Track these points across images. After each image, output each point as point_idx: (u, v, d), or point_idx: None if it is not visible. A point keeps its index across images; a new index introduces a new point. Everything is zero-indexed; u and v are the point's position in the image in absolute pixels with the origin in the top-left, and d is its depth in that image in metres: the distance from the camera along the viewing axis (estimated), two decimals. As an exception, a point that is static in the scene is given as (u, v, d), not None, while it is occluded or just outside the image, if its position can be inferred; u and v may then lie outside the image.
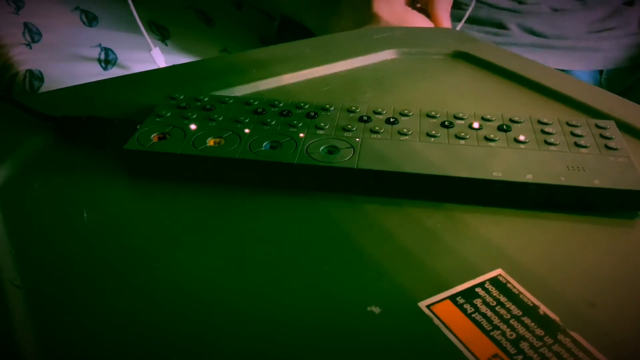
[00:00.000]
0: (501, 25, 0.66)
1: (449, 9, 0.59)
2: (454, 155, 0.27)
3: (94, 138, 0.31)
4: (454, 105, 0.35)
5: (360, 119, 0.29)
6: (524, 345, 0.19)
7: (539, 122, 0.29)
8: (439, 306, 0.20)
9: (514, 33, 0.65)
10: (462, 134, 0.28)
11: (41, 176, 0.28)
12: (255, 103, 0.31)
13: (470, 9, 0.63)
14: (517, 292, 0.21)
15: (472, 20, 0.66)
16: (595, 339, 0.19)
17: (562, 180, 0.25)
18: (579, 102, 0.35)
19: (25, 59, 0.66)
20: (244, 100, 0.31)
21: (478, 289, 0.21)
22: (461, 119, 0.29)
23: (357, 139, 0.28)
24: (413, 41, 0.45)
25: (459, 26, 0.63)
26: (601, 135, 0.28)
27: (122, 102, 0.35)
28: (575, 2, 0.68)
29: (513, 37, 0.65)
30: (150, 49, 0.65)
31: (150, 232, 0.24)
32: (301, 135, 0.28)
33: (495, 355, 0.18)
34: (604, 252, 0.23)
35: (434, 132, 0.28)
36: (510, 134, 0.28)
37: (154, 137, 0.28)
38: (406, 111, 0.30)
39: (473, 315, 0.20)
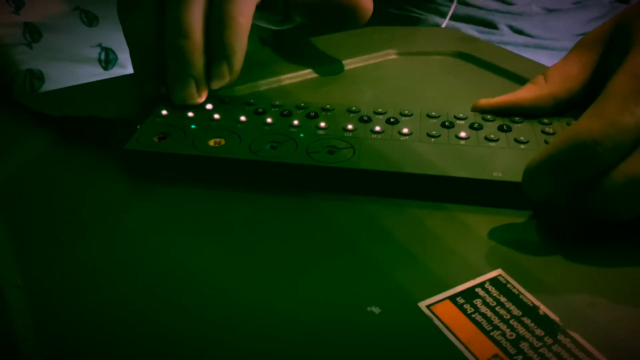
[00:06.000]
0: (492, 25, 0.66)
1: None
2: (454, 155, 0.27)
3: (94, 138, 0.31)
4: (454, 105, 0.35)
5: (361, 119, 0.29)
6: (524, 345, 0.19)
7: (539, 122, 0.29)
8: (439, 306, 0.20)
9: (505, 33, 0.65)
10: (463, 134, 0.28)
11: (41, 176, 0.28)
12: (256, 103, 0.31)
13: (452, 10, 0.63)
14: (517, 292, 0.21)
15: (464, 19, 0.66)
16: (595, 339, 0.19)
17: (562, 181, 0.25)
18: (579, 102, 0.35)
19: (25, 59, 0.66)
20: (244, 100, 0.31)
21: (478, 289, 0.21)
22: (462, 119, 0.29)
23: (358, 139, 0.28)
24: (413, 41, 0.45)
25: (444, 24, 0.63)
26: (601, 136, 0.28)
27: (122, 102, 0.35)
28: (569, 2, 0.68)
29: (505, 37, 0.65)
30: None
31: (151, 232, 0.24)
32: (301, 135, 0.28)
33: (495, 356, 0.18)
34: (604, 252, 0.23)
35: (434, 132, 0.28)
36: (511, 134, 0.28)
37: (154, 137, 0.28)
38: (406, 111, 0.30)
39: (473, 316, 0.20)
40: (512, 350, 0.19)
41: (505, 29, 0.65)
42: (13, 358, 0.19)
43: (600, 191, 0.22)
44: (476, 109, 0.31)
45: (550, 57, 0.65)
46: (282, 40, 0.67)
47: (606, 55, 0.29)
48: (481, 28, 0.65)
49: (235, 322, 0.20)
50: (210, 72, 0.30)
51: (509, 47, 0.64)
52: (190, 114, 0.30)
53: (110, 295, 0.21)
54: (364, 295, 0.21)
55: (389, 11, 0.67)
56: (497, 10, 0.65)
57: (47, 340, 0.19)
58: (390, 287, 0.21)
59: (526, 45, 0.65)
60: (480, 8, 0.65)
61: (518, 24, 0.65)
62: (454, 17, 0.65)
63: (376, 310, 0.20)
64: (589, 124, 0.22)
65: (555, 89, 0.29)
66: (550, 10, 0.67)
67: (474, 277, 0.21)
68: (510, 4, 0.65)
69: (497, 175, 0.25)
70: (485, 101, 0.31)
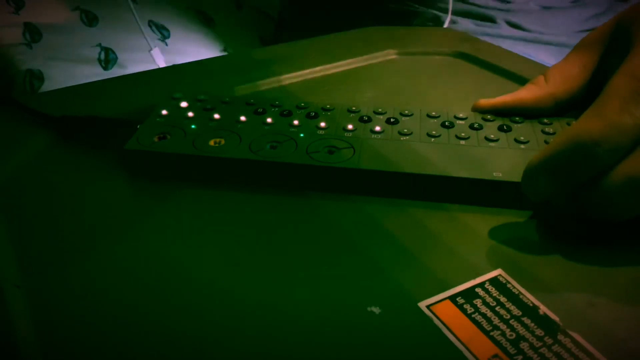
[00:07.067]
0: (491, 20, 0.66)
1: None
2: (454, 155, 0.27)
3: (94, 138, 0.31)
4: (454, 105, 0.35)
5: (361, 119, 0.29)
6: (524, 345, 0.19)
7: (539, 122, 0.29)
8: (439, 306, 0.20)
9: (503, 27, 0.65)
10: (463, 134, 0.28)
11: (41, 176, 0.28)
12: (255, 103, 0.31)
13: (450, 7, 0.63)
14: (517, 292, 0.21)
15: (462, 14, 0.66)
16: (595, 339, 0.19)
17: (562, 181, 0.25)
18: (579, 102, 0.35)
19: (25, 59, 0.66)
20: (244, 100, 0.31)
21: (478, 289, 0.21)
22: (462, 119, 0.29)
23: (358, 139, 0.28)
24: (413, 41, 0.45)
25: (446, 23, 0.63)
26: (601, 136, 0.28)
27: (122, 102, 0.35)
28: (567, 0, 0.68)
29: (503, 30, 0.65)
30: (150, 49, 0.65)
31: (151, 232, 0.24)
32: (301, 135, 0.28)
33: (495, 356, 0.18)
34: (604, 252, 0.23)
35: (434, 132, 0.28)
36: (511, 134, 0.28)
37: (154, 137, 0.28)
38: (407, 111, 0.30)
39: (473, 316, 0.20)
40: (512, 350, 0.19)
41: (503, 24, 0.65)
42: (13, 358, 0.19)
43: (600, 191, 0.22)
44: (476, 109, 0.31)
45: (548, 52, 0.65)
46: (282, 40, 0.67)
47: (606, 56, 0.29)
48: (479, 22, 0.65)
49: (235, 322, 0.20)
50: None
51: (507, 41, 0.64)
52: (190, 114, 0.30)
53: (110, 295, 0.21)
54: (364, 295, 0.21)
55: (388, 6, 0.67)
56: (495, 8, 0.66)
57: (47, 340, 0.19)
58: (390, 287, 0.21)
59: (524, 39, 0.65)
60: (478, 6, 0.65)
61: (516, 20, 0.65)
62: (452, 12, 0.65)
63: (376, 310, 0.20)
64: (588, 125, 0.22)
65: (555, 89, 0.29)
66: (547, 8, 0.67)
67: (474, 277, 0.21)
68: (508, 2, 0.65)
69: (497, 175, 0.25)
70: (485, 101, 0.31)
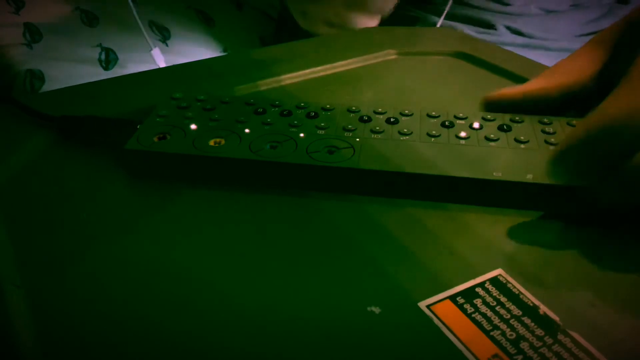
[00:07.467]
0: (490, 26, 0.65)
1: None
2: (454, 155, 0.27)
3: (94, 138, 0.31)
4: (454, 105, 0.35)
5: (361, 119, 0.29)
6: (524, 345, 0.19)
7: (540, 121, 0.29)
8: (439, 306, 0.20)
9: (503, 34, 0.65)
10: (463, 133, 0.28)
11: (41, 176, 0.28)
12: (255, 103, 0.31)
13: (447, 8, 0.63)
14: (517, 292, 0.21)
15: (461, 19, 0.66)
16: (595, 339, 0.19)
17: (563, 180, 0.25)
18: (579, 102, 0.35)
19: (25, 59, 0.66)
20: (244, 100, 0.31)
21: (478, 289, 0.21)
22: (462, 118, 0.29)
23: (358, 139, 0.28)
24: (413, 41, 0.45)
25: (439, 23, 0.63)
26: (601, 135, 0.28)
27: (122, 102, 0.35)
28: (567, 3, 0.68)
29: (503, 37, 0.65)
30: (150, 49, 0.65)
31: (150, 232, 0.24)
32: (301, 135, 0.28)
33: (495, 356, 0.18)
34: (604, 252, 0.23)
35: (434, 132, 0.28)
36: (511, 134, 0.28)
37: (154, 137, 0.28)
38: (407, 111, 0.30)
39: (473, 315, 0.20)
40: (512, 350, 0.19)
41: (503, 30, 0.65)
42: (13, 358, 0.19)
43: (621, 172, 0.21)
44: (486, 101, 0.31)
45: (548, 57, 0.65)
46: (282, 40, 0.67)
47: (617, 52, 0.29)
48: (479, 28, 0.65)
49: (235, 322, 0.20)
50: None
51: (507, 48, 0.64)
52: (190, 114, 0.30)
53: (110, 295, 0.21)
54: (364, 295, 0.21)
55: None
56: (495, 11, 0.65)
57: (47, 340, 0.19)
58: (390, 287, 0.21)
59: (525, 46, 0.65)
60: (478, 8, 0.65)
61: (516, 24, 0.65)
62: (452, 17, 0.65)
63: (376, 310, 0.20)
64: (619, 104, 0.21)
65: (562, 81, 0.29)
66: (548, 12, 0.67)
67: (474, 277, 0.21)
68: (508, 4, 0.65)
69: (497, 175, 0.25)
70: (497, 93, 0.31)
